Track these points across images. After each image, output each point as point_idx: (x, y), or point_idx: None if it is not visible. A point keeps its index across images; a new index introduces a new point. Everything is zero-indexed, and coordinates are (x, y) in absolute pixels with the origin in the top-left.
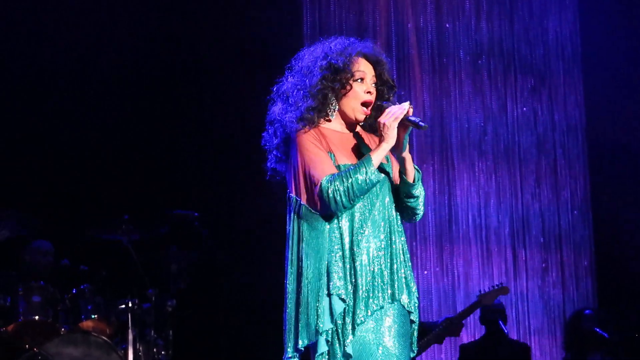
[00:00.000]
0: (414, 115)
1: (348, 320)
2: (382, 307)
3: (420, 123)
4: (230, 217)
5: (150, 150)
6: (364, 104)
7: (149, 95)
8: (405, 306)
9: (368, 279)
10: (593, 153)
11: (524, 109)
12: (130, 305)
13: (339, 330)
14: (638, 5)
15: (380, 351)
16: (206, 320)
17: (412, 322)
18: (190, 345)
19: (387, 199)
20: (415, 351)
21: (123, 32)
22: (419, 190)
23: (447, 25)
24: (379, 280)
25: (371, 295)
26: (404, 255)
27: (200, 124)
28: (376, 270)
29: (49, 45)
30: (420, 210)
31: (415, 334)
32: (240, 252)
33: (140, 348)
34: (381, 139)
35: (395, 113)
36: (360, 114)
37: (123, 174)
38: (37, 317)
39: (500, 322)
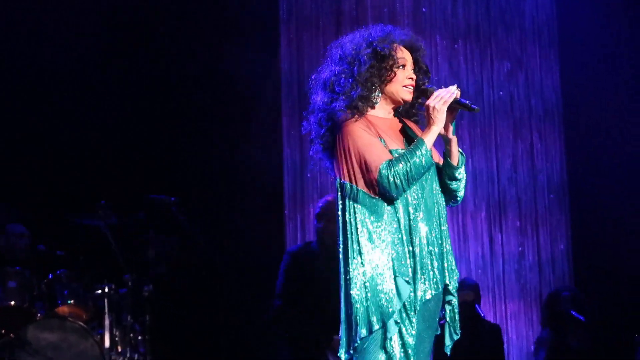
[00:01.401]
0: (462, 98)
1: (411, 302)
2: (437, 290)
3: (473, 106)
4: (209, 201)
5: (127, 135)
6: (404, 86)
7: (126, 80)
8: (450, 289)
9: (425, 262)
10: (569, 137)
11: (501, 93)
12: (106, 290)
13: (407, 313)
14: None
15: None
16: (183, 306)
17: (449, 303)
18: (167, 331)
19: (435, 184)
20: (459, 333)
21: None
22: (462, 174)
23: (424, 10)
24: (435, 263)
25: (427, 278)
26: (449, 239)
27: (178, 108)
28: (432, 254)
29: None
30: (461, 194)
31: (456, 316)
32: (219, 237)
33: (117, 333)
34: (430, 121)
35: (444, 97)
36: (406, 94)
37: (100, 158)
38: (12, 303)
39: (476, 304)
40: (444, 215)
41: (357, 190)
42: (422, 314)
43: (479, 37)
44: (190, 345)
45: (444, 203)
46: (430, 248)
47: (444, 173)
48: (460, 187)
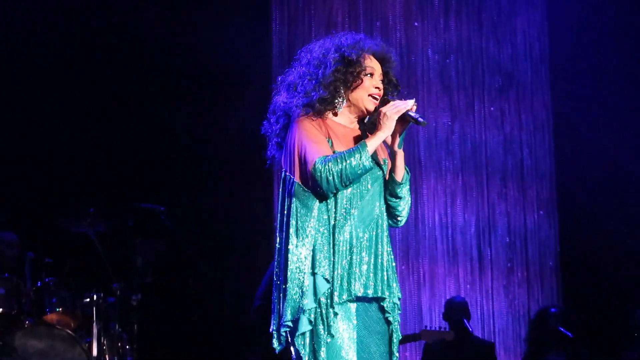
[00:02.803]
0: (416, 112)
1: (327, 302)
2: (355, 298)
3: (420, 119)
4: (197, 210)
5: (116, 143)
6: (371, 96)
7: (116, 89)
8: (385, 305)
9: (344, 265)
10: (559, 153)
11: (492, 108)
12: (95, 298)
13: (323, 311)
14: (606, 7)
15: (351, 346)
16: (171, 315)
17: (388, 322)
18: (155, 340)
19: (379, 197)
20: (397, 357)
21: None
22: (404, 192)
23: (416, 24)
24: (357, 269)
25: (346, 282)
26: (388, 255)
27: (166, 118)
28: (355, 259)
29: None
30: (402, 215)
31: (395, 336)
32: (206, 246)
33: (105, 342)
34: (378, 127)
35: (398, 106)
36: (369, 103)
37: (89, 166)
38: (1, 310)
39: (465, 320)
40: (384, 232)
41: (293, 182)
42: (363, 319)
43: (471, 52)
44: (178, 353)
45: (384, 218)
46: (361, 255)
47: (387, 189)
48: (399, 205)
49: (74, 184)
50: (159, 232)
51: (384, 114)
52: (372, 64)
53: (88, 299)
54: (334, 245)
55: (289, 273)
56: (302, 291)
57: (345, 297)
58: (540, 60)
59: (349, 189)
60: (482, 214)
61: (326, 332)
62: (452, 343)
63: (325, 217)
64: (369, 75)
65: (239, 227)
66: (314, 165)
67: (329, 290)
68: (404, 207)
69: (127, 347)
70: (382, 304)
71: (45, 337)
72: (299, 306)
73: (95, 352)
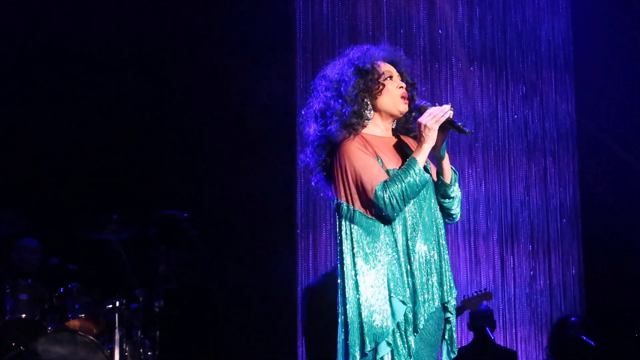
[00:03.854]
0: (454, 118)
1: (409, 322)
2: (435, 308)
3: (465, 128)
4: (220, 217)
5: (140, 150)
6: (402, 97)
7: (139, 94)
8: (448, 307)
9: (424, 280)
10: (583, 161)
11: (515, 116)
12: (117, 305)
13: (402, 333)
14: (630, 15)
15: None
16: (193, 321)
17: (447, 321)
18: (177, 346)
19: (433, 201)
20: (456, 352)
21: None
22: (455, 191)
23: (440, 32)
24: (434, 281)
25: (427, 297)
26: (447, 255)
27: (193, 126)
28: (431, 272)
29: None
30: (456, 211)
31: (454, 334)
32: (230, 253)
33: (127, 348)
34: (421, 139)
35: (437, 115)
36: (401, 104)
37: (113, 173)
38: (24, 316)
39: (487, 328)
40: (442, 233)
41: (354, 210)
42: (420, 332)
43: (495, 60)
44: None
45: (442, 220)
46: (429, 267)
47: (438, 191)
48: (453, 204)
49: (98, 191)
50: (182, 239)
51: (424, 125)
52: (387, 68)
53: (111, 305)
54: (410, 266)
55: (365, 301)
56: (381, 317)
57: (429, 312)
58: (564, 69)
59: (410, 205)
60: (505, 222)
61: (407, 353)
62: (474, 352)
63: (392, 239)
64: (388, 78)
65: (262, 233)
66: (375, 192)
67: (407, 311)
68: (457, 205)
69: (150, 353)
70: (446, 305)
71: (68, 343)
72: (380, 332)
73: (117, 358)
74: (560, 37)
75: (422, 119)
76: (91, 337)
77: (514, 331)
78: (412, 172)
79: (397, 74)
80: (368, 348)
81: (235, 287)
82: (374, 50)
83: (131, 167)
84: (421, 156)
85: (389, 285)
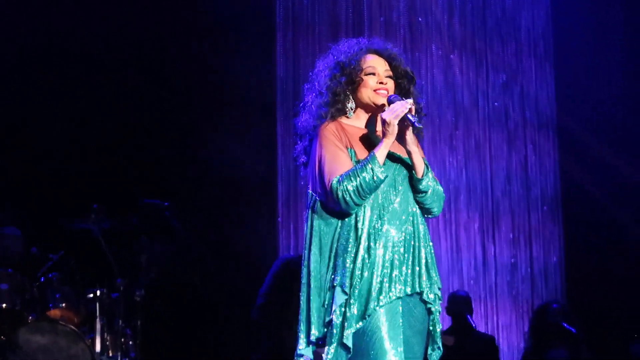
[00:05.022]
0: (415, 114)
1: (354, 311)
2: (398, 298)
3: (416, 124)
4: (202, 207)
5: (121, 138)
6: (378, 91)
7: (121, 84)
8: (425, 297)
9: (385, 270)
10: (563, 150)
11: (496, 104)
12: (98, 294)
13: (346, 324)
14: (610, 3)
15: (398, 348)
16: (174, 311)
17: (430, 312)
18: (159, 336)
19: (410, 194)
20: (441, 348)
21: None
22: (425, 185)
23: (420, 20)
24: (397, 272)
25: (386, 286)
26: (425, 248)
27: (172, 113)
28: (395, 262)
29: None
30: (432, 206)
31: (437, 326)
32: (210, 242)
33: (108, 338)
34: (383, 134)
35: (396, 110)
36: (377, 98)
37: (94, 162)
38: (4, 305)
39: (468, 315)
40: (419, 224)
41: (316, 199)
42: (408, 319)
43: (475, 49)
44: (181, 350)
45: (419, 212)
46: (397, 256)
47: (412, 185)
48: (427, 198)
49: (79, 180)
50: (163, 228)
51: (384, 120)
52: (373, 63)
53: (92, 295)
54: (369, 254)
55: (311, 291)
56: (324, 306)
57: (387, 301)
58: (544, 57)
59: (380, 195)
60: (486, 211)
61: (339, 344)
62: (454, 337)
63: (353, 228)
64: (370, 74)
65: (245, 224)
66: (331, 186)
67: (348, 302)
68: (432, 199)
69: (131, 343)
70: (423, 297)
71: (49, 333)
72: (323, 322)
73: (98, 348)
74: (540, 26)
75: (383, 114)
76: (72, 327)
77: (495, 319)
78: (369, 167)
79: (386, 69)
80: (313, 337)
81: (216, 276)
82: (363, 44)
83: (113, 155)
84: (381, 151)
85: (333, 275)
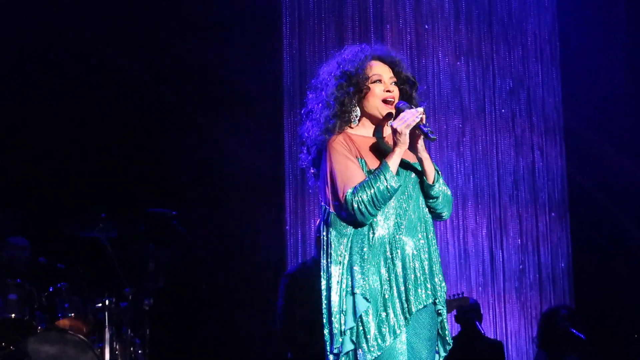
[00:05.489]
0: (426, 123)
1: (375, 321)
2: (420, 309)
3: (430, 135)
4: (210, 216)
5: (128, 148)
6: (385, 101)
7: (129, 95)
8: (437, 303)
9: (409, 278)
10: (571, 155)
11: (503, 110)
12: (107, 303)
13: (366, 329)
14: (616, 9)
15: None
16: (183, 319)
17: (439, 314)
18: (167, 344)
19: (421, 199)
20: (451, 343)
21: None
22: (437, 191)
23: (426, 27)
24: (420, 278)
25: (411, 295)
26: (435, 252)
27: (180, 123)
28: (417, 269)
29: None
30: (442, 210)
31: (446, 325)
32: (218, 251)
33: (117, 347)
34: (394, 143)
35: (407, 120)
36: (383, 109)
37: (101, 171)
38: (13, 315)
39: (477, 322)
40: (431, 231)
41: (329, 213)
42: (414, 326)
43: (481, 55)
44: (189, 358)
45: (431, 219)
46: (414, 264)
47: (424, 191)
48: (438, 204)
49: (86, 189)
50: (171, 237)
51: (395, 129)
52: (378, 70)
53: (100, 304)
54: (393, 264)
55: (332, 303)
56: (342, 312)
57: (414, 309)
58: (551, 62)
59: (395, 202)
60: (494, 216)
61: (369, 351)
62: (463, 343)
63: (365, 237)
64: (376, 82)
65: (251, 231)
66: (345, 197)
67: (374, 311)
68: (443, 204)
69: (140, 351)
70: (436, 301)
71: (58, 343)
72: (341, 329)
73: (107, 357)
74: (546, 31)
75: (394, 123)
76: (81, 336)
77: (504, 325)
78: (382, 177)
79: (390, 75)
80: (335, 349)
81: (224, 284)
82: (367, 51)
83: (120, 164)
84: (393, 160)
85: (352, 282)
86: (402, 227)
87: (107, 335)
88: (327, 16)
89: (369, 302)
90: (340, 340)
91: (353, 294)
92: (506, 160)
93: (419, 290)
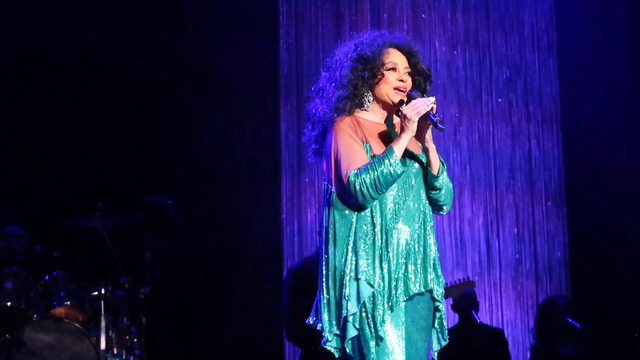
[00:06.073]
0: (436, 113)
1: (380, 304)
2: (411, 296)
3: (439, 124)
4: (206, 204)
5: (125, 136)
6: (397, 90)
7: (125, 82)
8: (435, 295)
9: (401, 267)
10: (567, 144)
11: (499, 99)
12: (103, 292)
13: (369, 315)
14: None
15: (400, 343)
16: (179, 308)
17: (437, 310)
18: (163, 333)
19: (422, 191)
20: (447, 339)
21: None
22: (440, 182)
23: (423, 16)
24: (412, 267)
25: (401, 283)
26: (434, 245)
27: (176, 111)
28: (410, 259)
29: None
30: (444, 203)
31: (444, 322)
32: (215, 240)
33: (113, 335)
34: (402, 129)
35: (418, 107)
36: (395, 96)
37: (98, 160)
38: (9, 304)
39: (473, 311)
40: (429, 222)
41: (331, 192)
42: (411, 315)
43: (478, 44)
44: (186, 347)
45: (431, 211)
46: (411, 253)
47: (426, 181)
48: (440, 195)
49: (83, 178)
50: (167, 226)
51: (404, 115)
52: (394, 59)
53: (96, 293)
54: (387, 250)
55: (332, 283)
56: (346, 298)
57: (402, 299)
58: (548, 51)
59: (394, 190)
60: (490, 206)
61: (373, 336)
62: (462, 332)
63: (370, 222)
64: (391, 70)
65: (248, 221)
66: (348, 178)
67: (375, 295)
68: (445, 196)
69: (136, 340)
70: (432, 294)
71: (54, 331)
72: (344, 313)
73: (103, 346)
74: (543, 20)
75: (404, 109)
76: (77, 325)
77: (500, 314)
78: (387, 161)
79: (406, 65)
80: (335, 330)
81: (220, 273)
82: (386, 37)
83: (117, 153)
84: (399, 146)
85: (356, 267)
86: (400, 215)
87: (103, 324)
88: (323, 5)
89: (373, 287)
90: (337, 325)
91: (357, 279)
92: (503, 150)
93: (409, 281)
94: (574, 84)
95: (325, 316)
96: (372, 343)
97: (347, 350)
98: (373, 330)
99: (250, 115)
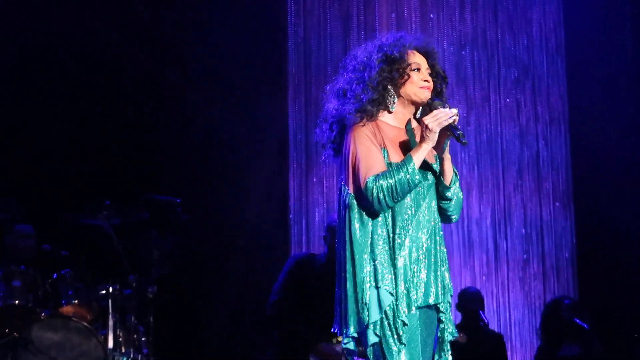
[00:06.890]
0: (458, 125)
1: (399, 312)
2: (418, 308)
3: (462, 139)
4: (213, 203)
5: (132, 135)
6: (424, 88)
7: (131, 81)
8: (442, 308)
9: (408, 277)
10: (575, 144)
11: (507, 100)
12: (111, 290)
13: (390, 322)
14: None
15: (417, 347)
16: (187, 307)
17: (440, 321)
18: (171, 332)
19: (433, 202)
20: (447, 357)
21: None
22: (452, 193)
23: (431, 16)
24: (424, 276)
25: (414, 293)
26: (442, 255)
27: (183, 110)
28: (422, 269)
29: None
30: (454, 214)
31: (445, 337)
32: (222, 239)
33: (121, 334)
34: (422, 139)
35: (440, 118)
36: (422, 92)
37: (105, 159)
38: (17, 302)
39: (481, 312)
40: (439, 233)
41: (348, 194)
42: (424, 321)
43: (486, 44)
44: (193, 346)
45: (440, 222)
46: (420, 263)
47: (437, 191)
48: (450, 206)
49: (90, 177)
50: (174, 225)
51: (426, 125)
52: (417, 59)
53: (104, 291)
54: (394, 257)
55: (348, 286)
56: (365, 305)
57: (413, 309)
58: (556, 52)
59: (408, 199)
60: (498, 206)
61: (397, 343)
62: (464, 334)
63: (384, 230)
64: (415, 70)
65: (255, 220)
66: (366, 184)
67: (394, 303)
68: (455, 207)
69: (143, 339)
70: (439, 306)
71: (61, 330)
72: (364, 320)
73: (111, 344)
74: (551, 20)
75: (426, 119)
76: (85, 323)
77: (507, 314)
78: (405, 169)
79: (427, 66)
80: (350, 332)
81: (228, 273)
82: (407, 39)
83: (124, 152)
84: (418, 155)
85: (376, 275)
86: (410, 227)
87: (111, 323)
88: (332, 4)
89: (393, 296)
90: (354, 330)
91: (377, 287)
92: (511, 150)
93: (418, 290)
94: (582, 84)
95: (343, 317)
96: (395, 349)
97: (369, 357)
98: (396, 337)
99: (259, 114)
